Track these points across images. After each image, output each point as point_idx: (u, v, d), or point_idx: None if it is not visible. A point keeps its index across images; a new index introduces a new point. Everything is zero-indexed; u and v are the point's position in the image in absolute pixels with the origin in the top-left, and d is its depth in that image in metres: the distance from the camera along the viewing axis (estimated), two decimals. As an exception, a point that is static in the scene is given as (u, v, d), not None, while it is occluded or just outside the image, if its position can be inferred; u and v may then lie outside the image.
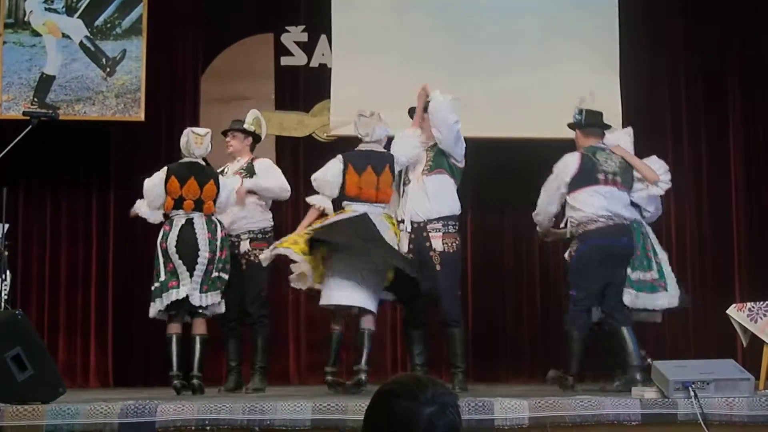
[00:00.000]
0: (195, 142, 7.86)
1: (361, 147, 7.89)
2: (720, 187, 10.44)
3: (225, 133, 8.33)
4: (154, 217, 7.92)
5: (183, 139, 7.95)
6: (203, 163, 7.93)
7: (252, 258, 7.95)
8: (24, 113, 7.61)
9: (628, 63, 9.95)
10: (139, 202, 8.03)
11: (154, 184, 7.82)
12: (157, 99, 9.86)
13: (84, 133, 9.75)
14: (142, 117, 9.48)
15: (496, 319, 10.24)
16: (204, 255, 7.61)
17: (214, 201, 7.78)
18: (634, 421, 5.89)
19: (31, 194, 10.06)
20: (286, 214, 10.03)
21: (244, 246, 8.00)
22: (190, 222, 7.71)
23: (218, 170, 8.07)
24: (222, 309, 7.81)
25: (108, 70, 9.48)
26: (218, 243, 7.70)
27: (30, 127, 6.64)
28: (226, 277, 7.76)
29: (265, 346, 8.07)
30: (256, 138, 8.35)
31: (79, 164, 10.06)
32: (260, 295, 8.08)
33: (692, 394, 5.89)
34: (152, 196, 7.83)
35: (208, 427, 5.65)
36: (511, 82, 9.64)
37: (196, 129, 8.06)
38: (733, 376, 6.17)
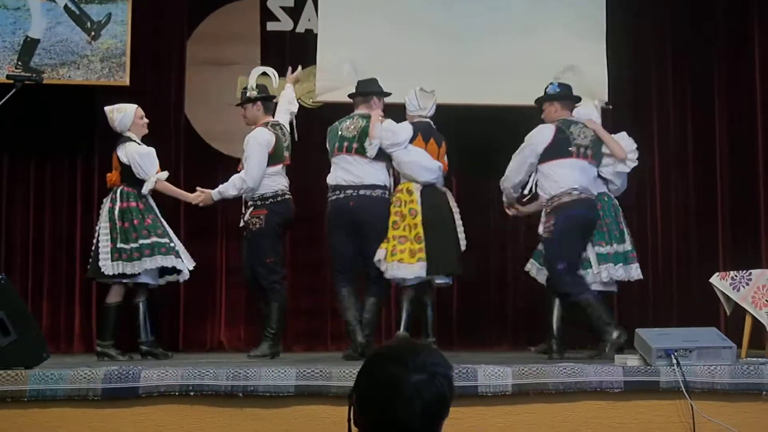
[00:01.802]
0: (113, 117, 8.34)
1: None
2: (705, 156, 10.44)
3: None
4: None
5: None
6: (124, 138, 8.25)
7: (251, 227, 7.97)
8: (8, 77, 7.57)
9: (614, 31, 9.92)
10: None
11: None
12: (142, 63, 9.80)
13: (69, 97, 9.70)
14: (127, 81, 9.43)
15: (481, 286, 10.25)
16: (102, 225, 8.08)
17: (120, 172, 8.16)
18: (617, 388, 5.92)
19: (15, 158, 10.02)
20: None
21: (247, 215, 8.03)
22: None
23: None
24: (140, 279, 8.04)
25: (93, 34, 9.42)
26: (116, 213, 8.02)
27: (14, 90, 6.58)
28: (127, 246, 7.94)
29: (276, 314, 8.00)
30: (268, 98, 8.33)
31: (64, 128, 9.99)
32: (264, 263, 7.96)
33: (675, 361, 5.93)
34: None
35: (192, 393, 5.66)
36: (498, 48, 9.60)
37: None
38: (715, 344, 6.20)
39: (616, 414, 5.92)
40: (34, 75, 8.29)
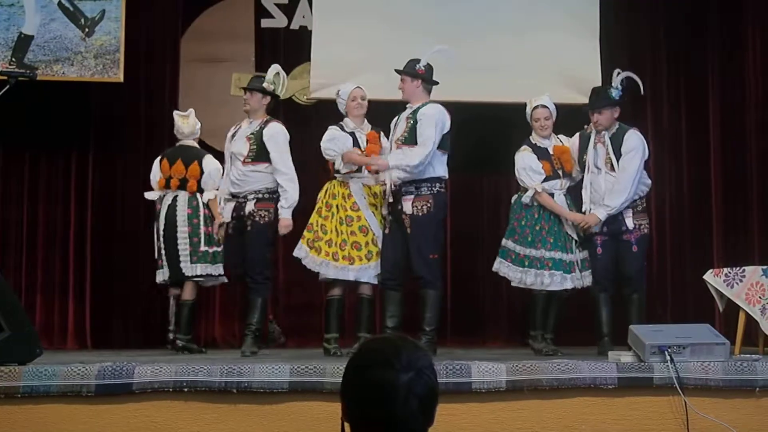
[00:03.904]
0: (182, 123, 8.65)
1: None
2: (699, 152, 10.46)
3: (245, 89, 8.17)
4: (153, 195, 8.76)
5: (177, 123, 8.72)
6: (193, 143, 8.76)
7: (257, 219, 7.79)
8: (1, 73, 7.54)
9: (609, 31, 9.94)
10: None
11: (154, 166, 8.75)
12: (136, 60, 9.81)
13: (63, 94, 9.69)
14: (121, 78, 9.42)
15: (474, 282, 10.25)
16: (183, 230, 8.41)
17: (198, 180, 8.51)
18: (611, 384, 5.93)
19: (9, 154, 10.01)
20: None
21: (249, 206, 7.83)
22: (175, 199, 8.52)
23: (233, 129, 8.15)
24: (223, 279, 8.65)
25: (87, 30, 9.41)
26: (201, 219, 8.38)
27: (8, 87, 6.57)
28: (219, 249, 8.43)
29: (263, 308, 7.93)
30: (276, 97, 8.19)
31: (58, 125, 9.99)
32: (265, 256, 7.91)
33: (668, 358, 5.95)
34: (153, 179, 8.73)
35: (185, 389, 5.66)
36: (491, 46, 9.61)
37: (179, 112, 8.81)
38: (708, 341, 6.21)
39: (610, 410, 5.93)
40: (28, 71, 8.25)
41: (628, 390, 5.95)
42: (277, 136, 7.95)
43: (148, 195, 8.79)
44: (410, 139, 7.57)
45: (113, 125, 9.88)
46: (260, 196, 7.85)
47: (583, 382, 5.93)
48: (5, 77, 6.75)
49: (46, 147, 10.05)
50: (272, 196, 7.87)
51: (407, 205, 7.57)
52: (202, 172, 8.50)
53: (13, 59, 9.31)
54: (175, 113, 8.85)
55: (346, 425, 2.66)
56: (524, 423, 5.86)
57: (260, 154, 7.88)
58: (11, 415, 5.55)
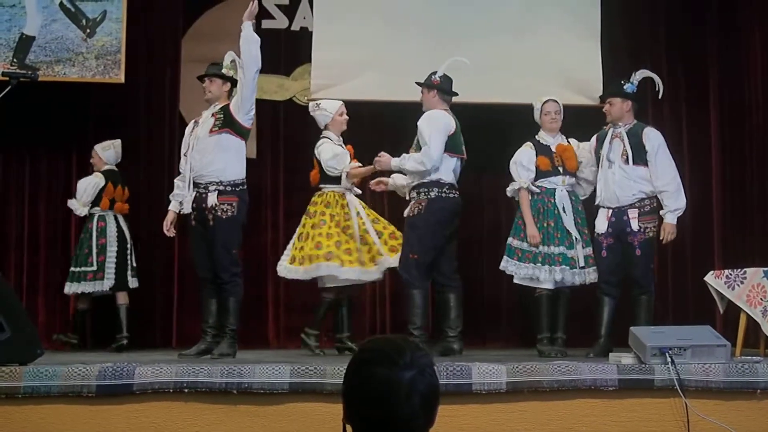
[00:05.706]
0: (118, 150, 9.51)
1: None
2: (700, 152, 10.45)
3: (201, 79, 7.81)
4: (84, 211, 9.42)
5: (109, 152, 9.48)
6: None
7: (220, 213, 7.32)
8: (3, 74, 7.54)
9: (610, 30, 9.94)
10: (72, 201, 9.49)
11: (90, 185, 9.37)
12: (137, 61, 9.80)
13: (64, 95, 9.70)
14: (122, 79, 9.42)
15: (474, 283, 10.22)
16: (130, 248, 9.44)
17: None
18: (611, 386, 5.93)
19: (10, 154, 10.02)
20: (266, 174, 10.07)
21: (212, 199, 7.34)
22: (117, 219, 9.44)
23: (191, 123, 7.86)
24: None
25: (88, 31, 9.41)
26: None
27: (9, 87, 6.58)
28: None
29: (236, 308, 7.45)
30: (235, 83, 7.67)
31: (59, 125, 10.00)
32: (231, 253, 7.40)
33: (669, 359, 5.94)
34: (90, 196, 9.36)
35: (186, 390, 5.66)
36: (492, 47, 9.61)
37: (112, 141, 9.55)
38: (709, 343, 6.21)
39: (611, 412, 5.93)
40: (29, 72, 8.25)
41: (628, 392, 5.95)
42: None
43: (81, 211, 9.43)
44: (417, 146, 7.81)
45: (114, 126, 9.87)
46: (222, 188, 7.37)
47: (583, 384, 5.93)
48: (7, 78, 6.76)
49: (47, 147, 10.05)
50: (235, 190, 7.40)
51: (406, 210, 7.84)
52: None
53: (15, 60, 9.31)
54: (110, 142, 9.54)
55: (348, 427, 2.67)
56: (524, 425, 5.86)
57: (227, 123, 7.43)
58: (12, 416, 5.55)
